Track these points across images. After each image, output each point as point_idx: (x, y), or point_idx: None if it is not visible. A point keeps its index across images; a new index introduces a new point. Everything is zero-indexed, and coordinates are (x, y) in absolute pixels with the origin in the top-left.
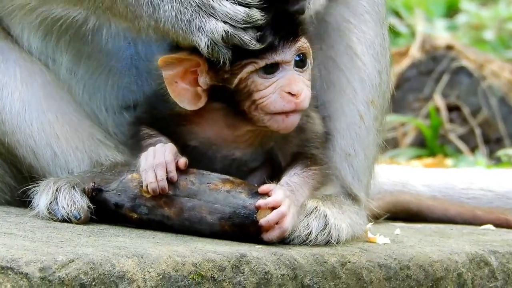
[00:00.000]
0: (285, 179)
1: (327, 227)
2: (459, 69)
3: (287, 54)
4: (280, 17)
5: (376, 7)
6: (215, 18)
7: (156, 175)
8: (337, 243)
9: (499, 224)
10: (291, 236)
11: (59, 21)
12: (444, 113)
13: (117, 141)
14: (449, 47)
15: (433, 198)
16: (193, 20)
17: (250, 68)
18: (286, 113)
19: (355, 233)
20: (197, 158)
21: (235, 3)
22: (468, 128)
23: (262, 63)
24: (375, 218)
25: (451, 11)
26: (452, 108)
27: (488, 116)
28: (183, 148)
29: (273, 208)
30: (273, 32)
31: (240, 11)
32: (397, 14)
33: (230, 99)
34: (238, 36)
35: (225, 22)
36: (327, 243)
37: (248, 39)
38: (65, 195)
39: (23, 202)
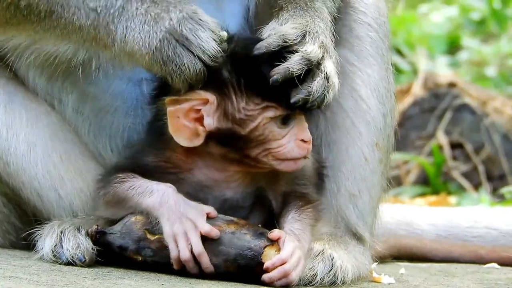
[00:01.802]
0: (287, 227)
1: (333, 268)
2: (461, 106)
3: None
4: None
5: (381, 51)
6: (191, 51)
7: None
8: (342, 284)
9: (503, 263)
10: None
11: (51, 57)
12: (447, 151)
13: None
14: (452, 84)
15: (437, 237)
16: (163, 47)
17: (269, 113)
18: (298, 158)
19: (360, 274)
20: (192, 200)
21: (211, 39)
22: (471, 165)
23: (283, 112)
24: (381, 259)
25: (453, 48)
26: (455, 146)
27: (491, 153)
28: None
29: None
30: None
31: (213, 48)
32: (398, 51)
33: (231, 143)
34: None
35: (199, 58)
36: (333, 284)
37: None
38: (70, 238)
39: (28, 244)
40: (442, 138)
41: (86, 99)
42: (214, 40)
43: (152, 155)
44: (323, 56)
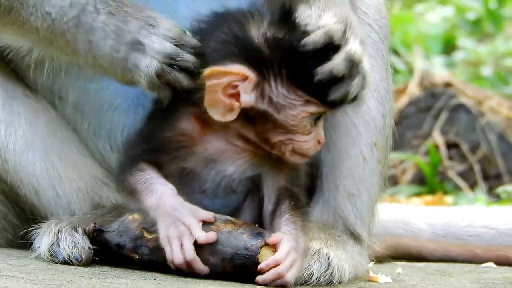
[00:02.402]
0: (283, 228)
1: (330, 268)
2: (457, 106)
3: None
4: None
5: (381, 52)
6: (148, 54)
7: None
8: (339, 283)
9: (500, 262)
10: None
11: (5, 50)
12: (443, 150)
13: None
14: (448, 84)
15: (434, 236)
16: (128, 58)
17: (311, 108)
18: (308, 156)
19: (357, 273)
20: (189, 179)
21: (164, 40)
22: (467, 165)
23: (323, 109)
24: (378, 260)
25: (449, 48)
26: (451, 145)
27: (487, 152)
28: (178, 171)
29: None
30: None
31: (167, 47)
32: (395, 51)
33: (259, 123)
34: (171, 74)
35: (156, 59)
36: (330, 284)
37: (181, 78)
38: (67, 237)
39: (25, 242)
40: (438, 138)
41: (87, 96)
42: (170, 37)
43: (167, 130)
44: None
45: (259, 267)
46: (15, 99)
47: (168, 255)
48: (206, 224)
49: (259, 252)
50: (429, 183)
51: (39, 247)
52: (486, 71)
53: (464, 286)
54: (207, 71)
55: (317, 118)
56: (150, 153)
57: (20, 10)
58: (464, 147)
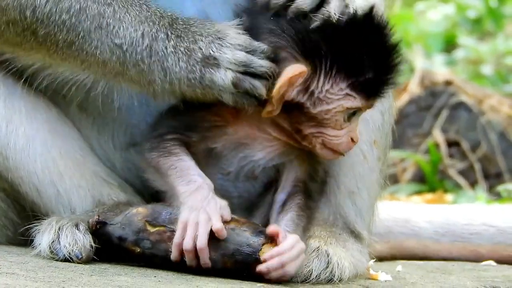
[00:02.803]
0: (282, 225)
1: (330, 265)
2: (458, 104)
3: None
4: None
5: None
6: (222, 67)
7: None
8: (339, 281)
9: (501, 260)
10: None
11: (67, 84)
12: (443, 149)
13: (122, 179)
14: (448, 83)
15: (435, 234)
16: (204, 75)
17: (347, 103)
18: (339, 153)
19: (357, 271)
20: (214, 159)
21: (235, 49)
22: (467, 163)
23: (359, 103)
24: (380, 259)
25: (449, 46)
26: (452, 144)
27: (487, 151)
28: (204, 151)
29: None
30: (380, 80)
31: (238, 55)
32: None
33: (293, 114)
34: (247, 81)
35: (231, 70)
36: (330, 281)
37: (258, 85)
38: (67, 234)
39: (25, 240)
40: (438, 136)
41: (90, 95)
42: (240, 45)
43: (202, 109)
44: None
45: (262, 257)
46: (16, 96)
47: (177, 239)
48: None
49: (261, 249)
50: (429, 181)
51: (39, 244)
52: (487, 69)
53: (464, 284)
54: (275, 89)
55: (351, 114)
56: (180, 130)
57: (82, 45)
58: (465, 146)
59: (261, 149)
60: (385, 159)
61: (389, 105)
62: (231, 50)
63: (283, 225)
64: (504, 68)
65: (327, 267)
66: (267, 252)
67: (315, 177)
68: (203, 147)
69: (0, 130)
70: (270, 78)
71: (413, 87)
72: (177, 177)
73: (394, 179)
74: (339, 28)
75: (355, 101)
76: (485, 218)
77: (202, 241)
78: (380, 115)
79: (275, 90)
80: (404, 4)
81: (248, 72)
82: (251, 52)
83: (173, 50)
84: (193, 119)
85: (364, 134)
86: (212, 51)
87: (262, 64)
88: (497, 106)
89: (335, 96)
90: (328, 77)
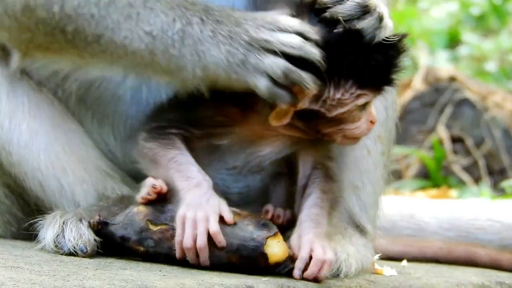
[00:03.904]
0: (305, 211)
1: (337, 263)
2: (462, 101)
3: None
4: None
5: None
6: (271, 52)
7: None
8: (345, 277)
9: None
10: None
11: (95, 83)
12: (447, 145)
13: (124, 172)
14: (452, 79)
15: (440, 229)
16: (248, 59)
17: (361, 101)
18: (361, 137)
19: (363, 266)
20: (219, 155)
21: (289, 33)
22: (471, 160)
23: (372, 96)
24: (389, 259)
25: (453, 43)
26: (456, 140)
27: (491, 147)
28: (207, 147)
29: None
30: (387, 70)
31: (295, 39)
32: None
33: (309, 120)
34: (297, 73)
35: (284, 55)
36: (336, 277)
37: (307, 78)
38: (72, 228)
39: (30, 234)
40: (442, 133)
41: (90, 87)
42: (294, 29)
43: (212, 109)
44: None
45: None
46: (19, 91)
47: (178, 237)
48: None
49: (265, 243)
50: (433, 177)
51: (44, 238)
52: (491, 66)
53: (470, 278)
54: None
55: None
56: (181, 125)
57: (111, 36)
58: (469, 142)
59: (268, 144)
60: (389, 154)
61: (392, 100)
62: (284, 33)
63: (306, 210)
64: (508, 64)
65: (334, 264)
66: (271, 246)
67: (331, 155)
68: (204, 144)
69: (3, 126)
70: (320, 72)
71: (417, 84)
72: (176, 171)
73: (398, 175)
74: (343, 37)
75: (367, 97)
76: (490, 213)
77: (202, 240)
78: (384, 110)
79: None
80: (408, 1)
81: (302, 58)
82: (304, 37)
83: (210, 34)
84: (198, 116)
85: None
86: (261, 33)
87: (315, 52)
88: (501, 103)
89: (348, 100)
90: (338, 86)
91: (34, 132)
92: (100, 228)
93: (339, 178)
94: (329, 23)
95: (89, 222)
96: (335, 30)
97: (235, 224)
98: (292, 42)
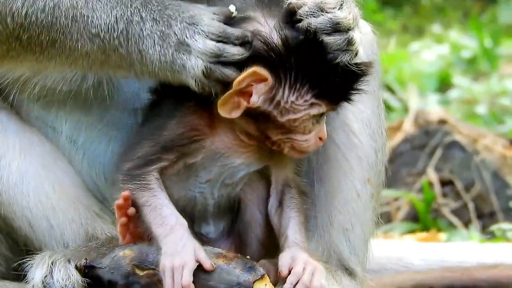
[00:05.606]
0: (291, 238)
1: None
2: (452, 144)
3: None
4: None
5: (373, 88)
6: (193, 55)
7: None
8: None
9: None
10: None
11: (58, 85)
12: (437, 188)
13: (114, 213)
14: (442, 122)
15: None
16: (175, 59)
17: (314, 110)
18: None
19: None
20: (194, 171)
21: (207, 38)
22: (461, 203)
23: (326, 109)
24: None
25: (444, 86)
26: (446, 183)
27: (481, 190)
28: (183, 167)
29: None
30: (345, 85)
31: (209, 46)
32: (389, 89)
33: (261, 122)
34: (218, 70)
35: (201, 59)
36: None
37: (229, 73)
38: (61, 269)
39: (18, 274)
40: (432, 175)
41: (81, 127)
42: (212, 33)
43: (181, 128)
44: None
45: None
46: (10, 131)
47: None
48: None
49: (252, 287)
50: (423, 220)
51: (32, 278)
52: (481, 109)
53: None
54: (237, 78)
55: (319, 116)
56: (153, 156)
57: (64, 40)
58: (459, 185)
59: (238, 156)
60: (378, 196)
61: (382, 143)
62: (203, 39)
63: (291, 236)
64: (498, 108)
65: None
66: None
67: (301, 170)
68: (181, 165)
69: None
70: (243, 64)
71: (407, 126)
72: (151, 217)
73: (387, 218)
74: (307, 45)
75: (321, 108)
76: (479, 257)
77: (186, 283)
78: (374, 153)
79: (236, 81)
80: (399, 44)
81: (220, 61)
82: (224, 40)
83: (149, 33)
84: (170, 139)
85: (358, 172)
86: (186, 37)
87: (234, 52)
88: (491, 146)
89: (301, 106)
90: (293, 90)
91: (24, 172)
92: (87, 272)
93: (307, 195)
94: (298, 29)
95: (76, 265)
96: (300, 36)
97: (221, 268)
98: (209, 50)
